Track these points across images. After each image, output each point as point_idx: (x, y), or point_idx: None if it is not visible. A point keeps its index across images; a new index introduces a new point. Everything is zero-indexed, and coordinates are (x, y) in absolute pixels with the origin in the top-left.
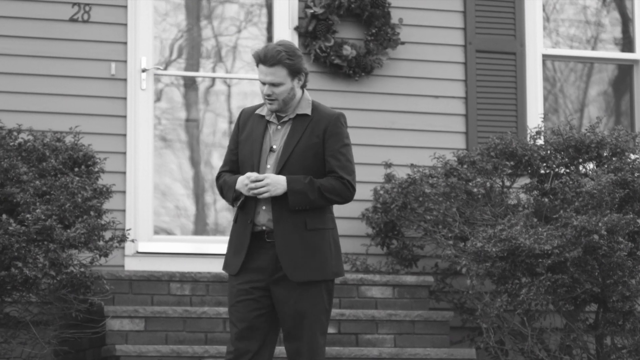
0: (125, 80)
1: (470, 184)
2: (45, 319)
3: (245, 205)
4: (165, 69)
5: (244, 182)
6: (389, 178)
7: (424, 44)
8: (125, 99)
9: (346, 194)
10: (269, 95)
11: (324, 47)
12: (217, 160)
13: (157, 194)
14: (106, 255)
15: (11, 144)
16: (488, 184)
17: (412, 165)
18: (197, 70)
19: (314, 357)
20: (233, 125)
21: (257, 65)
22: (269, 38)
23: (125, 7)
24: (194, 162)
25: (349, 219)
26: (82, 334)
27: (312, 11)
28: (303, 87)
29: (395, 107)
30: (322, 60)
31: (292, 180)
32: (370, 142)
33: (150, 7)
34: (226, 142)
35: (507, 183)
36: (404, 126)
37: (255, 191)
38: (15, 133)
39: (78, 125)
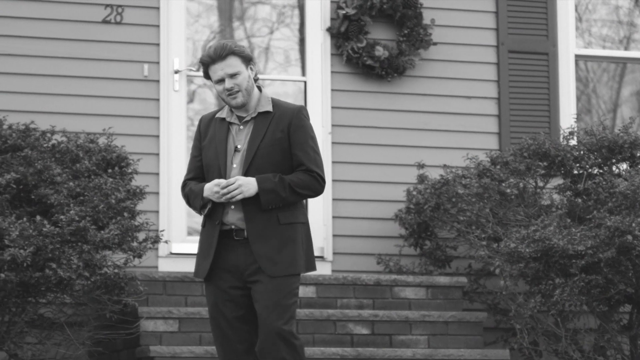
0: (158, 81)
1: (504, 184)
2: (80, 320)
3: (214, 207)
4: (198, 70)
5: (212, 189)
6: (421, 179)
7: (456, 45)
8: (158, 100)
9: (316, 187)
10: (230, 89)
11: (356, 48)
12: None
13: None
14: (140, 256)
15: (45, 145)
16: (521, 185)
17: (445, 166)
18: None
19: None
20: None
21: (208, 70)
22: (301, 39)
23: (158, 8)
24: None
25: (382, 220)
26: (116, 335)
27: (344, 12)
28: (256, 81)
29: (428, 108)
30: (355, 61)
31: (263, 180)
32: (403, 143)
33: (182, 9)
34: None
35: (540, 183)
36: (436, 127)
37: (228, 195)
38: (48, 134)
39: (111, 127)
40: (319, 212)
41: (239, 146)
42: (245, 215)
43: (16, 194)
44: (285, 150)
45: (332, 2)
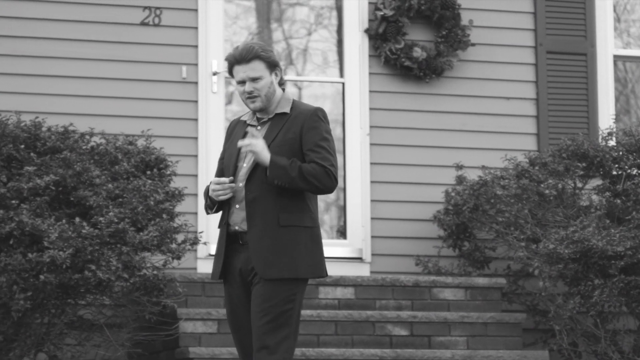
0: (196, 83)
1: (542, 185)
2: (119, 322)
3: (222, 206)
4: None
5: (211, 187)
6: (460, 180)
7: (494, 46)
8: (196, 102)
9: (327, 181)
10: (250, 93)
11: (394, 49)
12: None
13: None
14: (179, 257)
15: (84, 147)
16: (560, 186)
17: (483, 167)
18: None
19: (277, 350)
20: None
21: (232, 69)
22: (339, 41)
23: (196, 10)
24: None
25: (420, 221)
26: (156, 337)
27: (382, 13)
28: (282, 84)
29: (466, 109)
30: (393, 62)
31: (276, 156)
32: (441, 144)
33: (220, 11)
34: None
35: (579, 184)
36: (474, 128)
37: (245, 142)
38: (87, 136)
39: (150, 129)
40: (357, 213)
41: None
42: (247, 213)
43: (55, 196)
44: (295, 151)
45: (370, 3)
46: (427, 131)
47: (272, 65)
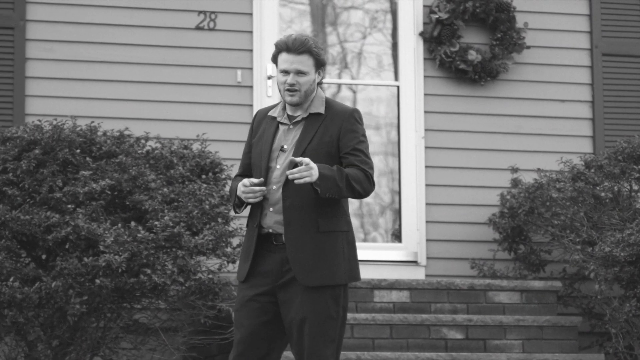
0: (251, 87)
1: (598, 188)
2: (174, 326)
3: (252, 207)
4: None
5: (240, 188)
6: (515, 183)
7: (550, 48)
8: (251, 106)
9: (368, 185)
10: (292, 85)
11: (449, 52)
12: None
13: None
14: (234, 261)
15: (139, 151)
16: (616, 188)
17: (538, 169)
18: None
19: None
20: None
21: (278, 56)
22: (394, 44)
23: (251, 14)
24: None
25: (475, 224)
26: (211, 340)
27: (436, 16)
28: (320, 85)
29: (521, 112)
30: (447, 65)
31: (322, 167)
32: (496, 147)
33: (275, 15)
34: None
35: (635, 187)
36: (530, 131)
37: (297, 175)
38: (143, 141)
39: (205, 133)
40: (412, 217)
41: (285, 146)
42: (284, 218)
43: (111, 200)
44: (331, 155)
45: (424, 6)
46: (482, 134)
47: (320, 64)
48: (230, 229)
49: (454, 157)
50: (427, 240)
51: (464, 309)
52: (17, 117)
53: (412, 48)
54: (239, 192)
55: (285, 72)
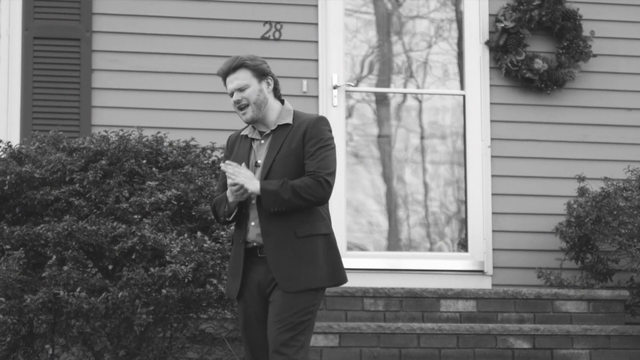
0: (316, 97)
1: None
2: (240, 335)
3: (238, 223)
4: (356, 85)
5: (230, 189)
6: (582, 192)
7: (616, 56)
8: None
9: (320, 192)
10: (238, 102)
11: (515, 61)
12: (409, 176)
13: (350, 210)
14: None
15: (205, 162)
16: None
17: (605, 178)
18: (387, 86)
19: (298, 353)
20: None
21: (225, 83)
22: (460, 53)
23: (316, 24)
24: (387, 177)
25: (542, 233)
26: None
27: (502, 25)
28: (279, 96)
29: (588, 120)
30: (514, 74)
31: (266, 182)
32: (563, 156)
33: (340, 24)
34: (419, 158)
35: None
36: (596, 139)
37: (236, 180)
38: (209, 151)
39: None
40: (478, 226)
41: (259, 161)
42: (261, 230)
43: (177, 211)
44: (300, 161)
45: (490, 15)
46: (549, 143)
47: (260, 73)
48: None
49: (520, 166)
50: (494, 249)
51: (530, 319)
52: (83, 127)
53: (477, 57)
54: (228, 194)
55: (231, 95)
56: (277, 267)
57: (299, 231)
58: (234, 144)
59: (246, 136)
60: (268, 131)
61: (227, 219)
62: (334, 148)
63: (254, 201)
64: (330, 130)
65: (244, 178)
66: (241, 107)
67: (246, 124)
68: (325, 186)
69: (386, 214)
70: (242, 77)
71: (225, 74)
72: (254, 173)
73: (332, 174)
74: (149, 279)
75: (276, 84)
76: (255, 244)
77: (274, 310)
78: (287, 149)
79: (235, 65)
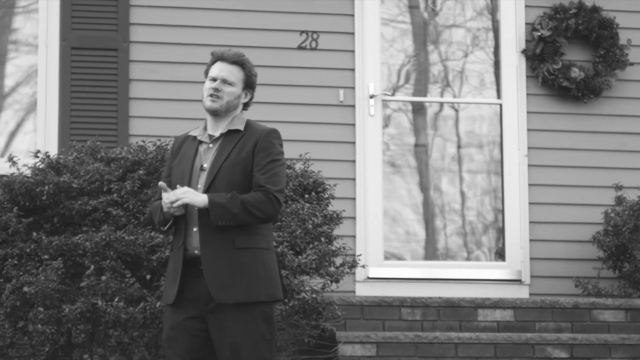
0: (353, 106)
1: None
2: (278, 345)
3: (177, 226)
4: (393, 94)
5: (164, 200)
6: (619, 200)
7: None
8: (353, 125)
9: (269, 209)
10: (216, 90)
11: (552, 69)
12: (446, 185)
13: (387, 219)
14: (337, 281)
15: None
16: None
17: None
18: (424, 95)
19: None
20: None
21: (212, 65)
22: (496, 62)
23: (353, 34)
24: (423, 187)
25: (579, 242)
26: None
27: (539, 34)
28: (246, 107)
29: (625, 129)
30: (550, 83)
31: (214, 195)
32: (600, 165)
33: (377, 34)
34: (455, 167)
35: None
36: (633, 148)
37: (173, 198)
38: None
39: (308, 152)
40: (515, 235)
41: (204, 165)
42: (200, 237)
43: None
44: (247, 171)
45: (527, 24)
46: (586, 152)
47: (249, 84)
48: (334, 248)
49: (558, 175)
50: (531, 258)
51: (568, 328)
52: (121, 137)
53: (514, 66)
54: (163, 204)
55: (213, 80)
56: (212, 276)
57: (238, 242)
58: (181, 146)
59: (194, 137)
60: (217, 135)
61: (162, 228)
62: (284, 164)
63: (196, 207)
64: (281, 145)
65: (191, 196)
66: (215, 95)
67: (202, 119)
68: (275, 204)
69: (423, 223)
70: (234, 74)
71: (222, 59)
72: (199, 177)
73: (282, 191)
74: None
75: (251, 99)
76: (196, 251)
77: (227, 332)
78: (235, 157)
79: (236, 61)
